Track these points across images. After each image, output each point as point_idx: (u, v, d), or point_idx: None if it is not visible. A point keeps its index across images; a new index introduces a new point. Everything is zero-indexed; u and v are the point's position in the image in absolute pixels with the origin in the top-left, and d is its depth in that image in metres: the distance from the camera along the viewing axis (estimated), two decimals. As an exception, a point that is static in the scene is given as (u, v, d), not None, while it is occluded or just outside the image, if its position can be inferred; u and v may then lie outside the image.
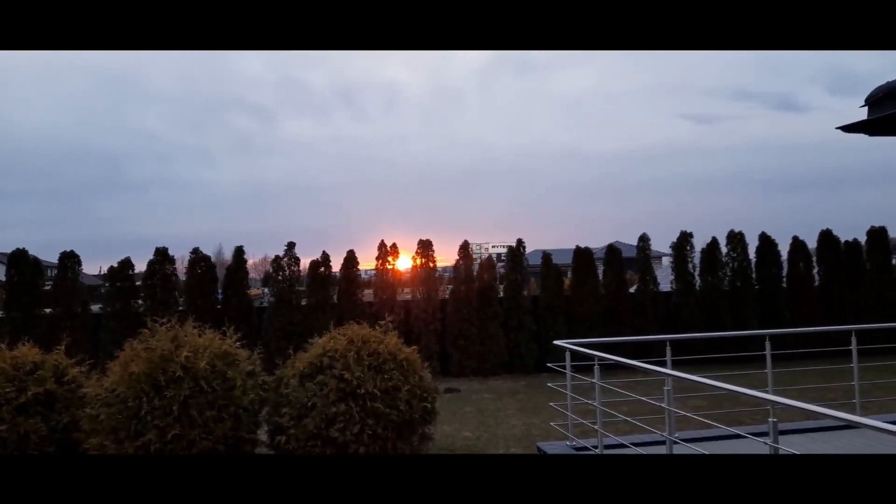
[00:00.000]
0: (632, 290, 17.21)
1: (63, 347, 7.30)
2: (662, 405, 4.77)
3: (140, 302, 14.50)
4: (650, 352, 10.63)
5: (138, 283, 14.63)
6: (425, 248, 16.70)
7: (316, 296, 15.84)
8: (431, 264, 16.62)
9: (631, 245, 18.45)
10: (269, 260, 18.12)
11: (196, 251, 15.62)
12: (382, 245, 16.65)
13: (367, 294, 16.90)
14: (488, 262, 16.89)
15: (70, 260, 14.54)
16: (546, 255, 17.06)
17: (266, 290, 24.92)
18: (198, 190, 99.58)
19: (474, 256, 17.03)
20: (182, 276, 15.94)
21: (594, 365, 5.70)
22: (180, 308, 14.85)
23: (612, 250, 17.25)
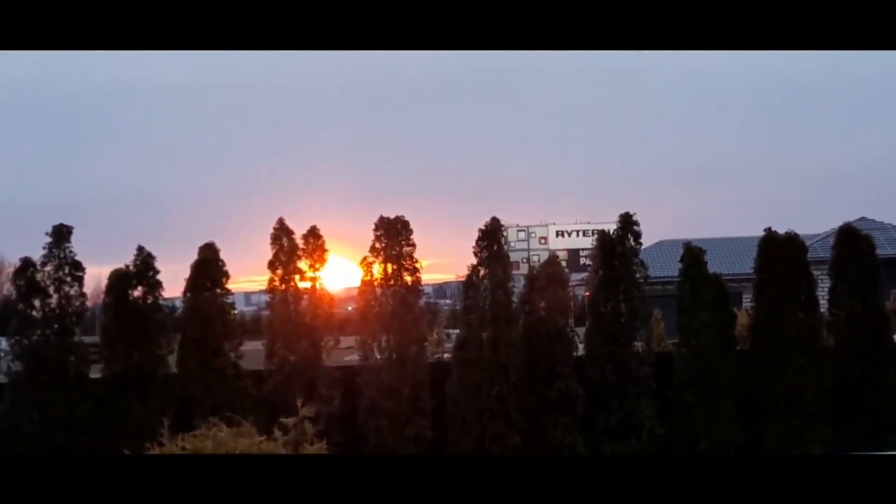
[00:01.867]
0: (905, 334, 16.98)
1: None
2: None
3: None
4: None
5: None
6: (393, 236, 16.48)
7: (125, 356, 15.63)
8: (409, 277, 16.46)
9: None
10: (9, 271, 18.21)
11: None
12: (283, 232, 16.53)
13: (254, 349, 16.97)
14: (551, 271, 16.71)
15: None
16: (691, 252, 16.98)
17: (1, 342, 24.30)
18: None
19: (513, 258, 17.61)
20: None
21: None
22: None
23: (851, 238, 17.26)
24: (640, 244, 17.10)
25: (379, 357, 16.24)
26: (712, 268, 17.32)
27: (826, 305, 17.30)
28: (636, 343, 16.49)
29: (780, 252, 16.96)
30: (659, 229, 51.02)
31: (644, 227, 17.06)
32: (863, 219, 24.49)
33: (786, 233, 17.21)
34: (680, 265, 17.18)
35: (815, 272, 17.27)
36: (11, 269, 17.41)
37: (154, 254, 16.16)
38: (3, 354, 22.05)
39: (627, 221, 16.72)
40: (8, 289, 23.76)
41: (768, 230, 17.21)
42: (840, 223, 18.37)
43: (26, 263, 15.78)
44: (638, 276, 16.81)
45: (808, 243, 17.65)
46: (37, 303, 15.64)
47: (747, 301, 18.03)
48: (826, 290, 17.34)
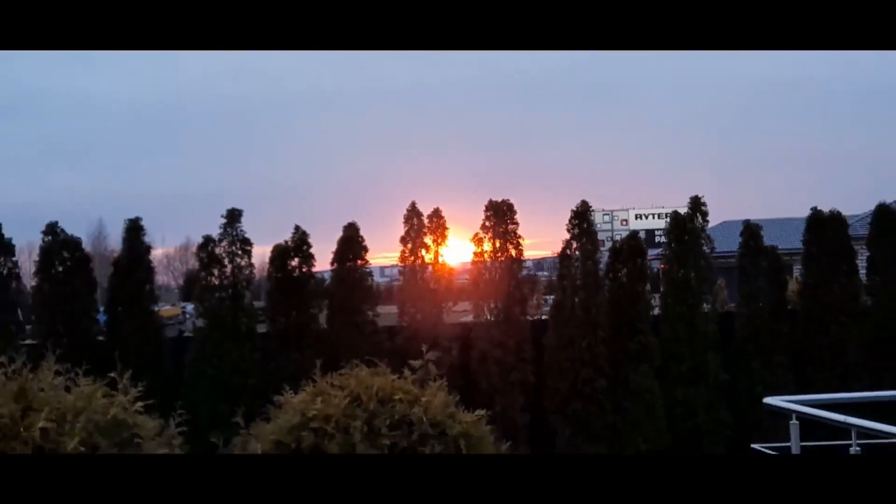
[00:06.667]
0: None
1: None
2: None
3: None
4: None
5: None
6: (500, 216, 17.70)
7: (285, 316, 16.82)
8: (514, 251, 17.51)
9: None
10: (194, 248, 18.63)
11: (53, 230, 16.51)
12: (414, 214, 17.64)
13: (388, 312, 17.79)
14: (631, 245, 17.55)
15: None
16: (750, 229, 17.55)
17: (188, 306, 25.07)
18: (59, 112, 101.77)
19: (601, 236, 17.25)
20: (31, 280, 16.75)
21: (850, 446, 5.80)
22: (27, 341, 15.71)
23: (887, 216, 17.34)
24: (707, 222, 17.51)
25: (489, 317, 17.03)
26: (768, 242, 17.60)
27: (865, 274, 17.44)
28: (704, 305, 17.01)
29: (824, 228, 17.22)
30: (723, 210, 50.70)
31: (710, 209, 17.50)
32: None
33: (829, 211, 17.35)
34: (741, 239, 17.56)
35: (854, 246, 17.44)
36: (195, 247, 17.89)
37: (308, 232, 16.86)
38: (189, 315, 23.43)
39: (697, 203, 17.54)
40: (192, 262, 24.70)
41: (814, 210, 17.39)
42: (875, 204, 17.86)
43: (207, 240, 16.88)
44: (705, 248, 17.25)
45: (849, 221, 17.80)
46: (215, 272, 16.63)
47: (797, 272, 17.74)
48: (865, 260, 17.44)
